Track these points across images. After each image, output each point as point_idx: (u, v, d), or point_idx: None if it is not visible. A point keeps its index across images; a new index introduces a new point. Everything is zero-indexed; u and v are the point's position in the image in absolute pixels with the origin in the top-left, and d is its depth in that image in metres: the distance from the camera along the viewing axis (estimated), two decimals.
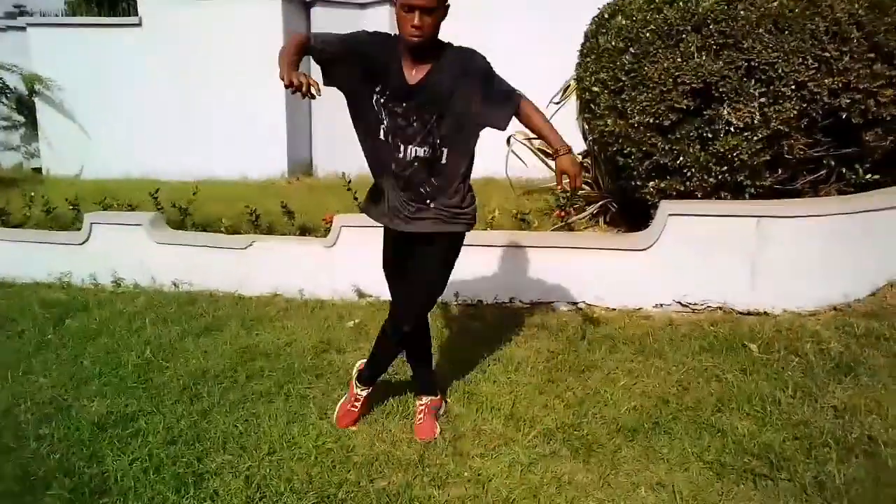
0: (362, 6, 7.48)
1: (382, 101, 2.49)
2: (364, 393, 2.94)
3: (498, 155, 4.92)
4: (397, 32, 2.47)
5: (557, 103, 5.12)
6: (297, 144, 7.76)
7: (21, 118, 8.60)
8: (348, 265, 4.53)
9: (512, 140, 5.32)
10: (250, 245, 4.72)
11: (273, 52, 6.95)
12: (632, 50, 3.78)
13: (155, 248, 4.88)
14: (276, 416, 2.99)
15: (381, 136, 2.53)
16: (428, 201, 2.58)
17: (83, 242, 5.01)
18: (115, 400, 3.18)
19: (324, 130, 7.92)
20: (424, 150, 2.49)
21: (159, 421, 2.98)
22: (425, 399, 2.95)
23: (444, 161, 2.55)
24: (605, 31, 3.99)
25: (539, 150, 5.35)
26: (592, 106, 4.15)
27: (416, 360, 3.03)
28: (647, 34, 3.72)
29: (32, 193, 5.79)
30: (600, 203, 4.85)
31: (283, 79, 2.21)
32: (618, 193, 4.74)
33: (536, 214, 5.02)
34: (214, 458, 2.70)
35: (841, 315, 3.73)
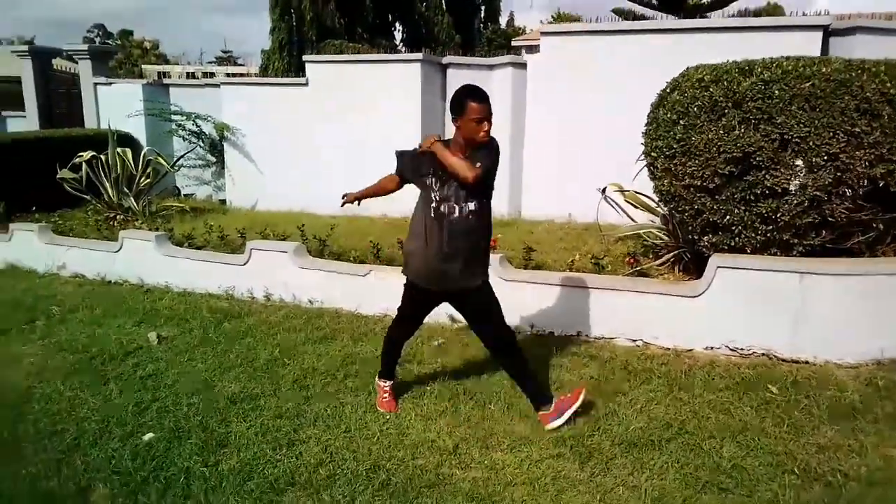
0: (490, 67, 8.40)
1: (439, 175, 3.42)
2: (387, 384, 3.88)
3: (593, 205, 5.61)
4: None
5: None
6: None
7: (213, 158, 10.41)
8: None
9: (607, 189, 5.96)
10: (369, 273, 5.70)
11: (411, 105, 8.63)
12: (681, 122, 4.33)
13: (297, 271, 6.01)
14: (357, 406, 3.87)
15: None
16: None
17: (245, 263, 6.27)
18: (247, 384, 4.23)
19: None
20: (458, 211, 3.41)
21: (273, 401, 3.97)
22: (543, 410, 3.60)
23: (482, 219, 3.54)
24: (664, 104, 4.56)
25: (629, 200, 5.91)
26: (653, 168, 4.71)
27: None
28: (695, 108, 4.26)
29: (212, 223, 7.22)
30: (675, 252, 5.32)
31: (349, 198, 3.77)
32: (690, 244, 5.20)
33: (617, 260, 5.57)
34: (306, 430, 3.62)
35: (878, 369, 3.98)
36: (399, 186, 3.75)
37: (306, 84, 9.13)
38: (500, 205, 8.45)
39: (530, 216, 8.03)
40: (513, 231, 7.25)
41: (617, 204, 5.98)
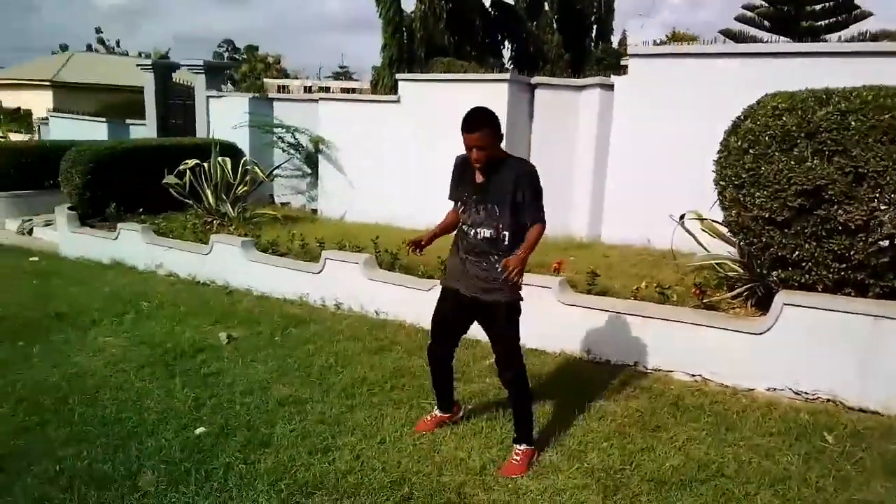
0: (579, 88, 8.33)
1: (464, 197, 3.42)
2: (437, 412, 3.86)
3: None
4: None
5: None
6: None
7: (308, 170, 10.87)
8: None
9: (685, 217, 5.77)
10: (432, 288, 5.78)
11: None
12: (752, 151, 4.15)
13: (366, 282, 6.19)
14: (396, 419, 3.95)
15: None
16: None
17: (319, 272, 6.52)
18: (298, 388, 4.40)
19: None
20: (488, 232, 3.34)
21: (319, 407, 4.11)
22: (521, 447, 3.49)
23: (503, 238, 3.37)
24: (736, 132, 4.39)
25: (706, 229, 5.69)
26: (722, 198, 4.53)
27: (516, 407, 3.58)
28: (766, 137, 4.08)
29: (296, 231, 7.56)
30: (748, 286, 5.08)
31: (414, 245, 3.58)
32: (763, 278, 4.95)
33: (687, 290, 5.37)
34: (343, 437, 3.73)
35: None
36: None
37: (398, 101, 9.40)
38: (579, 227, 8.39)
39: (609, 240, 7.88)
40: (588, 254, 7.14)
41: (692, 233, 5.77)
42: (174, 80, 12.83)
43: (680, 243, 5.68)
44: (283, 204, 11.24)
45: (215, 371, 4.73)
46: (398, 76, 9.50)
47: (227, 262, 7.27)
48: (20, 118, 22.69)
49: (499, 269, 3.32)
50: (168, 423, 3.93)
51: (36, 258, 9.06)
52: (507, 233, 3.33)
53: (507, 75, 8.53)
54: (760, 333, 4.29)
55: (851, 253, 3.88)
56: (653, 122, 7.33)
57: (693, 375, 4.58)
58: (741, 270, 5.24)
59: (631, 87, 7.58)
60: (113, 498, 3.19)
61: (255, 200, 10.31)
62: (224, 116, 11.49)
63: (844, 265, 3.96)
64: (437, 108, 8.93)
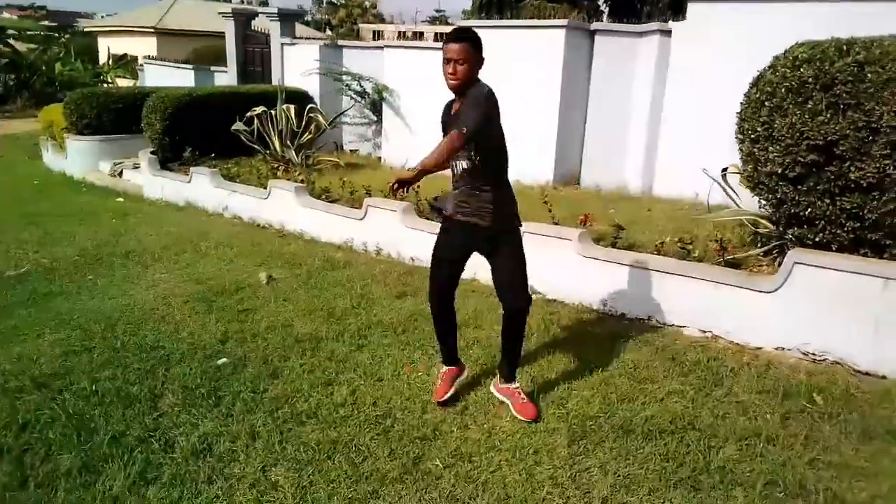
0: (639, 34, 8.05)
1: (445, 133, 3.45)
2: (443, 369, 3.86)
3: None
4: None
5: None
6: (567, 155, 8.72)
7: (374, 117, 11.09)
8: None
9: (728, 170, 5.62)
10: None
11: (554, 73, 8.55)
12: (767, 104, 4.01)
13: (403, 229, 6.41)
14: (399, 359, 4.19)
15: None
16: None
17: (362, 219, 6.80)
18: (318, 327, 4.72)
19: (593, 145, 8.74)
20: (463, 164, 3.39)
21: (332, 345, 4.41)
22: (502, 384, 3.64)
23: (478, 164, 3.37)
24: (758, 84, 4.23)
25: (743, 184, 5.52)
26: (741, 152, 4.40)
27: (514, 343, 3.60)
28: (783, 90, 3.92)
29: (347, 178, 7.85)
30: (777, 243, 4.94)
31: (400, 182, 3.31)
32: None
33: (709, 245, 5.25)
34: (345, 374, 4.02)
35: None
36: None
37: None
38: (633, 179, 8.25)
39: (660, 193, 7.73)
40: (631, 207, 7.07)
41: (731, 187, 5.61)
42: (253, 27, 13.24)
43: (725, 198, 5.56)
44: (351, 151, 11.56)
45: (249, 308, 5.12)
46: (458, 23, 9.46)
47: (282, 206, 7.68)
48: (126, 64, 23.99)
49: (485, 194, 3.39)
50: (196, 353, 4.34)
51: (121, 199, 9.84)
52: (482, 156, 3.33)
53: (563, 21, 8.35)
54: (771, 291, 4.21)
55: (865, 212, 3.74)
56: (709, 71, 7.06)
57: (704, 332, 4.56)
58: (772, 227, 5.10)
59: (688, 33, 7.29)
60: (135, 415, 3.61)
61: (323, 147, 10.69)
62: (297, 63, 11.82)
63: (858, 224, 3.82)
64: (494, 55, 8.83)
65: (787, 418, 3.39)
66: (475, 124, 3.12)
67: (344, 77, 11.13)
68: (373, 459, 3.18)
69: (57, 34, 32.86)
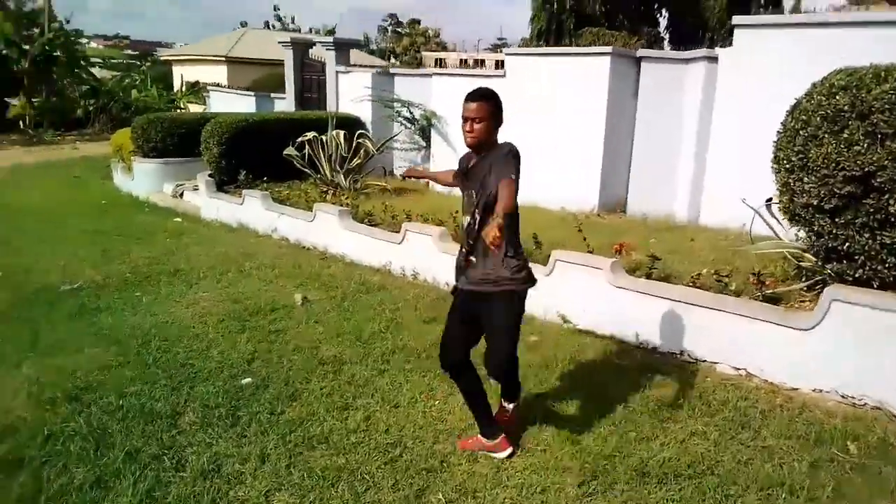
0: (686, 62, 7.90)
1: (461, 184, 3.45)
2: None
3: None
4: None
5: None
6: (613, 182, 8.58)
7: (423, 143, 11.21)
8: (557, 294, 5.35)
9: (773, 201, 5.42)
10: None
11: (598, 101, 8.47)
12: (802, 132, 3.84)
13: (439, 254, 6.41)
14: (418, 386, 4.17)
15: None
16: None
17: (400, 243, 6.84)
18: (344, 350, 4.74)
19: (640, 172, 8.57)
20: (467, 219, 3.33)
21: (354, 369, 4.42)
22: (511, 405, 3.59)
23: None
24: (794, 112, 4.07)
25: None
26: (777, 183, 4.23)
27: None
28: (818, 118, 3.76)
29: (388, 202, 7.93)
30: (820, 278, 4.71)
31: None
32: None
33: (745, 278, 5.03)
34: (363, 399, 4.02)
35: None
36: (454, 183, 3.65)
37: (503, 76, 9.42)
38: (680, 209, 8.05)
39: (707, 223, 7.50)
40: (674, 237, 6.88)
41: (773, 219, 5.40)
42: (311, 55, 13.62)
43: (767, 230, 5.35)
44: (402, 176, 11.67)
45: (280, 329, 5.19)
46: (505, 50, 9.51)
47: (326, 229, 7.80)
48: (197, 91, 25.03)
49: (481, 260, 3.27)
50: (222, 372, 4.42)
51: (179, 219, 10.18)
52: (481, 217, 3.23)
53: (608, 48, 8.28)
54: (807, 329, 4.01)
55: None
56: (755, 98, 6.84)
57: (738, 369, 4.37)
58: (815, 260, 4.86)
59: (735, 60, 7.10)
60: (154, 431, 3.69)
61: (372, 172, 10.84)
62: (351, 90, 12.08)
63: None
64: (540, 82, 8.88)
65: (816, 467, 3.19)
66: (517, 173, 3.09)
67: (395, 104, 11.29)
68: (376, 490, 3.15)
69: (138, 62, 34.56)
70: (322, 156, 9.81)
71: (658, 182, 8.31)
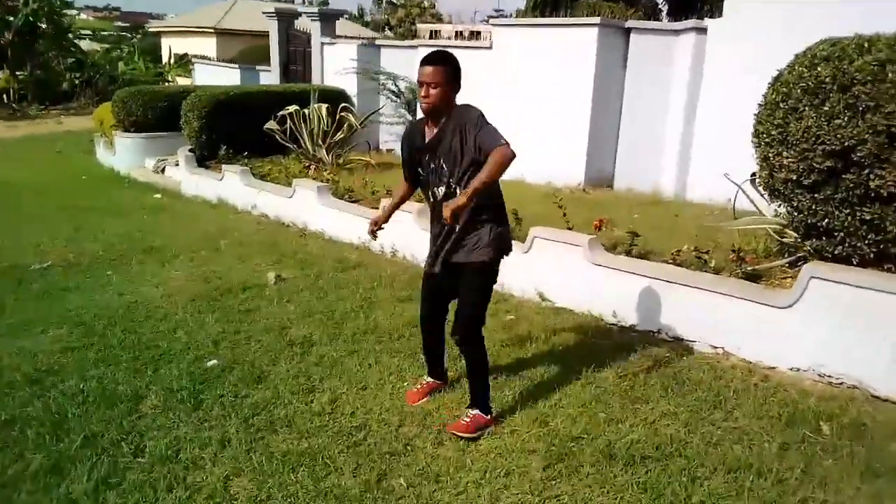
0: (676, 32, 7.71)
1: (417, 159, 3.33)
2: (426, 378, 3.80)
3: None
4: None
5: None
6: (599, 156, 8.42)
7: (410, 117, 11.02)
8: (535, 271, 5.24)
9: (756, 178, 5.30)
10: None
11: (585, 73, 8.28)
12: (783, 105, 3.71)
13: (419, 232, 6.26)
14: (387, 368, 4.07)
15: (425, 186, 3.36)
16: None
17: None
18: (314, 330, 4.63)
19: (627, 146, 8.42)
20: (444, 189, 3.23)
21: (323, 350, 4.32)
22: (473, 411, 3.38)
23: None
24: (776, 84, 3.93)
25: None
26: (757, 157, 4.11)
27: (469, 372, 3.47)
28: (798, 90, 3.62)
29: (368, 178, 7.78)
30: (799, 254, 4.61)
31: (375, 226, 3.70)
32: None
33: (726, 255, 4.92)
34: (330, 381, 3.92)
35: None
36: (413, 187, 3.61)
37: (490, 48, 9.22)
38: (667, 183, 7.92)
39: (694, 198, 7.39)
40: (658, 212, 6.77)
41: (754, 195, 5.28)
42: (296, 27, 13.33)
43: (748, 205, 5.24)
44: (388, 150, 11.50)
45: (251, 308, 5.08)
46: (491, 21, 9.29)
47: (305, 205, 7.65)
48: (185, 63, 24.61)
49: (460, 230, 3.24)
50: (187, 354, 4.31)
51: (159, 195, 10.03)
52: (457, 187, 3.17)
53: (596, 19, 8.09)
54: (785, 307, 3.91)
55: (887, 224, 3.41)
56: (743, 70, 6.67)
57: (715, 348, 4.28)
58: (796, 237, 4.76)
59: (724, 30, 6.94)
60: (114, 416, 3.58)
61: (356, 146, 10.65)
62: (336, 63, 11.84)
63: (880, 237, 3.49)
64: (526, 54, 8.69)
65: (786, 449, 3.11)
66: (502, 135, 3.02)
67: (380, 76, 11.08)
68: (337, 475, 3.06)
69: (129, 35, 34.03)
70: (304, 130, 9.62)
71: (645, 156, 8.17)
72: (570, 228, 5.36)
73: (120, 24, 48.04)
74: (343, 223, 7.13)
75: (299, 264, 6.18)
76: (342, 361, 4.16)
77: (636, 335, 4.60)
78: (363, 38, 12.04)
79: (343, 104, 10.04)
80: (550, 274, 5.14)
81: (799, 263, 4.64)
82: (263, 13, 13.67)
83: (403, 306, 5.06)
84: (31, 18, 23.37)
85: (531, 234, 5.30)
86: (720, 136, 7.02)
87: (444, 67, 3.10)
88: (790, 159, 3.67)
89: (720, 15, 7.20)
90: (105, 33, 33.88)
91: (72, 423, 3.50)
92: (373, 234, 3.84)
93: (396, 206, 3.83)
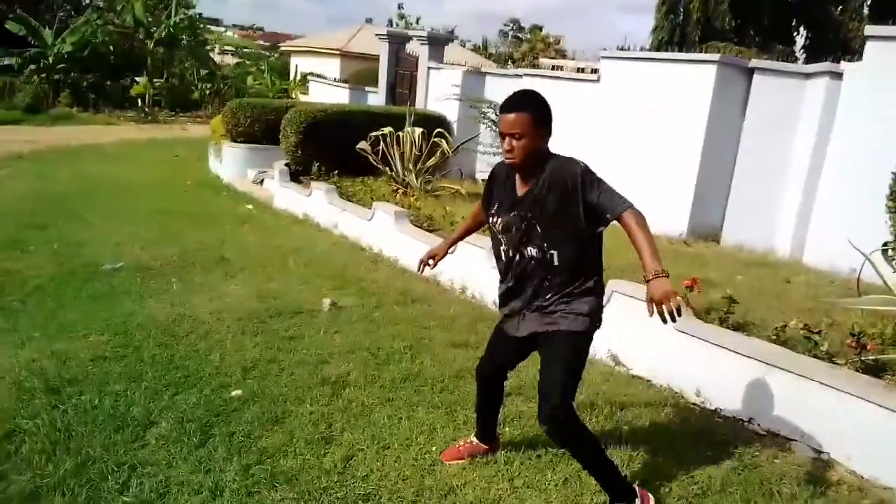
0: (805, 76, 6.85)
1: (494, 212, 2.87)
2: (472, 438, 3.32)
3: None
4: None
5: None
6: (707, 205, 7.62)
7: None
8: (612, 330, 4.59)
9: (889, 248, 4.47)
10: None
11: (698, 113, 7.67)
12: None
13: (490, 271, 5.77)
14: (418, 424, 3.58)
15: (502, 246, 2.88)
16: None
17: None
18: (351, 370, 4.20)
19: (740, 198, 7.58)
20: (535, 251, 2.75)
21: (355, 394, 3.88)
22: None
23: (555, 262, 2.73)
24: None
25: None
26: (889, 224, 3.33)
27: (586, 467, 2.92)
28: None
29: (448, 207, 7.38)
30: None
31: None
32: None
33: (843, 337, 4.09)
34: (351, 433, 3.48)
35: None
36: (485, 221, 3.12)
37: (597, 81, 8.65)
38: (782, 243, 7.06)
39: (811, 262, 6.48)
40: (767, 274, 5.95)
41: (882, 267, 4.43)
42: (408, 50, 13.28)
43: (876, 279, 4.39)
44: (483, 180, 11.07)
45: (295, 335, 4.74)
46: (601, 54, 8.72)
47: (383, 230, 7.34)
48: (305, 81, 25.47)
49: (551, 297, 2.80)
50: (214, 380, 3.99)
51: (250, 206, 10.05)
52: (553, 252, 2.73)
53: (715, 56, 7.38)
54: None
55: None
56: (882, 121, 5.78)
57: (819, 452, 3.50)
58: None
59: (862, 76, 6.05)
60: (117, 442, 3.29)
61: (449, 173, 10.32)
62: (441, 88, 11.63)
63: None
64: (636, 89, 8.06)
65: None
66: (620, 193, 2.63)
67: (482, 105, 10.72)
68: None
69: (268, 53, 35.80)
70: (395, 153, 9.38)
71: (760, 210, 7.31)
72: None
73: (261, 42, 50.84)
74: (416, 252, 6.69)
75: (361, 292, 5.82)
76: (372, 410, 3.71)
77: (721, 421, 3.88)
78: (469, 66, 11.74)
79: (438, 129, 9.72)
80: (628, 335, 4.50)
81: None
82: (376, 35, 13.73)
83: (456, 353, 4.57)
84: (172, 31, 24.94)
85: (610, 288, 4.66)
86: (848, 196, 6.13)
87: (528, 114, 2.63)
88: None
89: (860, 59, 6.33)
90: (247, 50, 35.75)
91: (71, 444, 3.24)
92: (422, 267, 3.38)
93: (461, 238, 3.45)
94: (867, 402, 3.31)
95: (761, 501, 3.03)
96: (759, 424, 3.78)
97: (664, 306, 2.37)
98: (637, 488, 2.92)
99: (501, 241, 2.88)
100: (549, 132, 2.70)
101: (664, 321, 2.41)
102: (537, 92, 2.79)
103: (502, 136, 2.67)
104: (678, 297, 2.40)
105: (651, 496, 2.92)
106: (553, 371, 2.76)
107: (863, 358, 3.71)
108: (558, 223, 2.68)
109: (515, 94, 2.75)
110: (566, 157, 2.72)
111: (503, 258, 2.92)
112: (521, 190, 2.78)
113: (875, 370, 3.69)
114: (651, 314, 2.43)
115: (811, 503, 3.03)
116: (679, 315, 2.37)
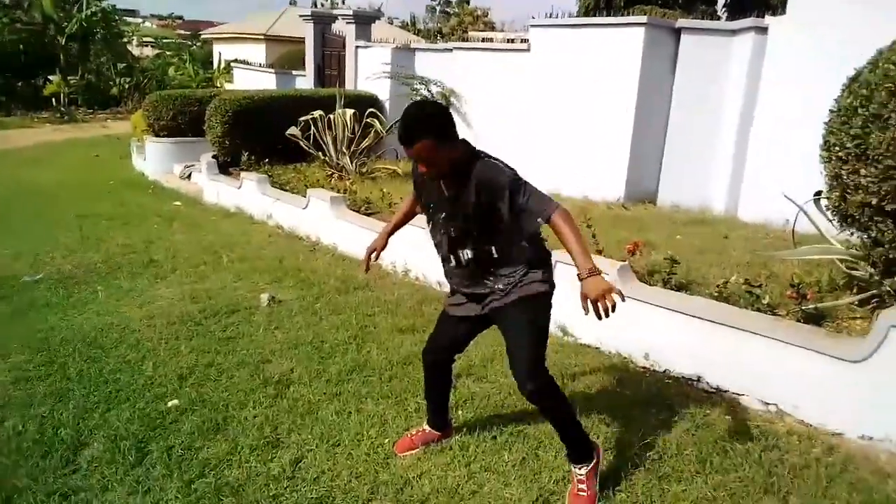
0: (732, 32, 6.90)
1: (430, 211, 2.77)
2: (424, 426, 3.23)
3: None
4: None
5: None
6: (642, 169, 7.66)
7: None
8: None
9: (822, 198, 4.51)
10: None
11: (628, 78, 7.48)
12: (862, 111, 2.96)
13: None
14: (369, 417, 3.45)
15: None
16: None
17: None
18: (296, 366, 4.04)
19: (673, 159, 7.63)
20: (471, 253, 2.67)
21: (301, 391, 3.73)
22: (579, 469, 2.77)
23: (494, 255, 2.66)
24: (852, 86, 3.17)
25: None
26: (825, 175, 3.35)
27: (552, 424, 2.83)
28: (884, 93, 2.87)
29: (385, 189, 7.20)
30: (873, 291, 3.80)
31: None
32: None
33: (783, 289, 4.15)
34: (299, 433, 3.32)
35: None
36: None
37: (528, 50, 8.55)
38: (717, 199, 7.14)
39: (746, 217, 6.58)
40: (706, 231, 6.00)
41: (816, 218, 4.48)
42: (333, 30, 12.90)
43: (811, 229, 4.45)
44: None
45: (233, 336, 4.53)
46: (529, 23, 8.61)
47: (319, 217, 7.13)
48: (231, 69, 24.63)
49: (503, 277, 2.72)
50: (148, 391, 3.77)
51: (178, 203, 9.66)
52: (492, 248, 2.66)
53: (642, 18, 7.33)
54: (856, 362, 3.15)
55: None
56: (808, 75, 5.86)
57: (767, 404, 3.53)
58: (873, 270, 3.96)
59: (787, 30, 6.11)
60: (46, 468, 3.06)
61: (384, 154, 10.12)
62: (370, 67, 11.34)
63: None
64: (567, 57, 7.99)
65: None
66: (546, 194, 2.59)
67: (413, 81, 10.51)
68: None
69: (190, 42, 34.47)
70: (327, 136, 9.12)
71: (693, 169, 7.38)
72: (599, 252, 4.66)
73: (181, 31, 49.07)
74: (355, 238, 6.56)
75: (300, 284, 5.62)
76: (319, 407, 3.56)
77: (670, 383, 3.88)
78: (398, 42, 11.48)
79: (371, 109, 9.49)
80: (575, 305, 4.42)
81: (872, 301, 3.85)
82: (300, 16, 13.30)
83: (402, 338, 4.44)
84: (84, 24, 23.74)
85: (554, 258, 4.59)
86: (779, 149, 6.22)
87: (426, 140, 2.46)
88: (870, 178, 2.92)
89: (784, 13, 6.39)
90: (167, 40, 34.40)
91: None
92: (366, 265, 3.27)
93: (399, 226, 3.26)
94: (811, 350, 3.34)
95: (717, 460, 3.02)
96: (707, 383, 3.80)
97: (600, 304, 2.36)
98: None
99: (438, 238, 2.78)
100: (453, 136, 2.54)
101: (599, 318, 2.41)
102: (424, 103, 2.75)
103: (413, 159, 2.61)
104: (614, 292, 2.40)
105: (600, 447, 2.89)
106: (519, 343, 2.69)
107: (803, 307, 3.74)
108: (490, 225, 2.62)
109: (406, 119, 2.52)
110: (492, 161, 2.59)
111: (441, 256, 2.83)
112: (447, 189, 2.65)
113: (816, 318, 3.74)
114: (587, 312, 2.40)
115: (764, 457, 3.04)
116: (616, 307, 2.40)
